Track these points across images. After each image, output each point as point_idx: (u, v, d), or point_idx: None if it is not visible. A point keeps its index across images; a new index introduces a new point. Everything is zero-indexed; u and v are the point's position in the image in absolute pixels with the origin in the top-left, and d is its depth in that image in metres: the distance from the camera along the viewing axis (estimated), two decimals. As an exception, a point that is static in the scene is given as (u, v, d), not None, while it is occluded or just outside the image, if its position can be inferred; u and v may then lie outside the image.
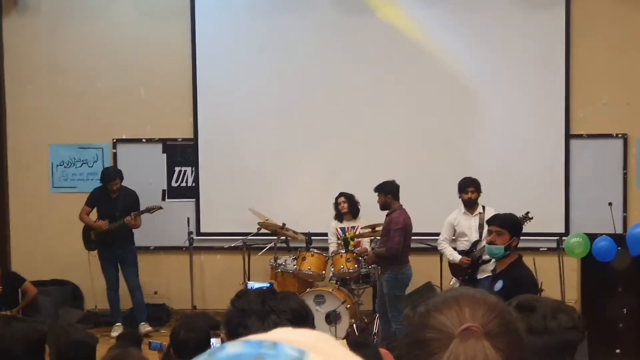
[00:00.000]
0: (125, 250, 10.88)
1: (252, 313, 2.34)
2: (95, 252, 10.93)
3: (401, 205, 9.57)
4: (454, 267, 9.88)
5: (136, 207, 10.84)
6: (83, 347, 4.95)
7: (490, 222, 6.06)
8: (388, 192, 9.63)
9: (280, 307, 2.35)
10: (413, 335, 1.75)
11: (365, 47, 11.42)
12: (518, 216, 9.36)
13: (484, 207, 9.72)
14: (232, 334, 2.38)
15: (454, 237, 9.97)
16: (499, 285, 5.85)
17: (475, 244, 9.38)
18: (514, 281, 5.85)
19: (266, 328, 2.28)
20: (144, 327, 10.74)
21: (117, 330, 10.57)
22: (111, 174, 10.83)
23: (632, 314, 9.01)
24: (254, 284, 5.55)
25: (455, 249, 9.89)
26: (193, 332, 4.86)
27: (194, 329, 4.91)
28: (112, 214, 10.76)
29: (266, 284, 5.52)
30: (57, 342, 5.44)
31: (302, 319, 2.37)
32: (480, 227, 9.37)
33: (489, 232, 5.95)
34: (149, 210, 10.83)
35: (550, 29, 11.07)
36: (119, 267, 10.91)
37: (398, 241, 9.28)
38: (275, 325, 2.31)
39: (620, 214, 10.89)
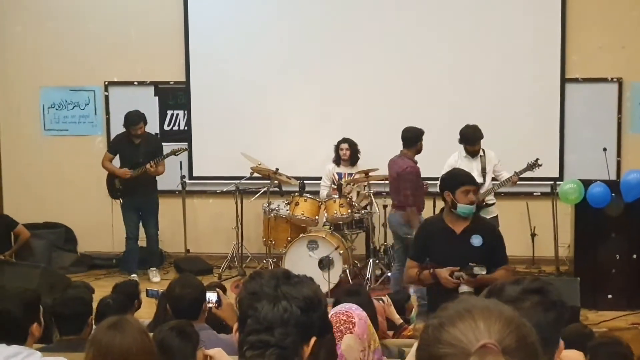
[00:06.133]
0: (147, 199, 10.58)
1: (264, 297, 2.32)
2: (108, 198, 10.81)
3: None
4: None
5: (160, 153, 10.48)
6: (79, 303, 4.94)
7: (471, 182, 6.05)
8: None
9: (293, 293, 2.33)
10: (426, 350, 1.70)
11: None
12: (528, 162, 9.41)
13: (484, 150, 9.65)
14: (243, 316, 2.37)
15: None
16: (478, 241, 5.88)
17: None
18: (489, 232, 6.05)
19: (276, 313, 2.30)
20: (153, 275, 10.66)
21: None
22: (134, 118, 10.32)
23: (625, 260, 9.07)
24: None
25: None
26: (188, 289, 4.87)
27: (189, 285, 4.92)
28: (135, 160, 10.39)
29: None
30: (52, 295, 5.45)
31: (314, 307, 2.35)
32: (483, 170, 9.35)
33: (466, 192, 5.93)
34: (174, 152, 10.48)
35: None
36: (140, 215, 10.66)
37: None
38: (285, 311, 2.31)
39: (614, 158, 10.87)
